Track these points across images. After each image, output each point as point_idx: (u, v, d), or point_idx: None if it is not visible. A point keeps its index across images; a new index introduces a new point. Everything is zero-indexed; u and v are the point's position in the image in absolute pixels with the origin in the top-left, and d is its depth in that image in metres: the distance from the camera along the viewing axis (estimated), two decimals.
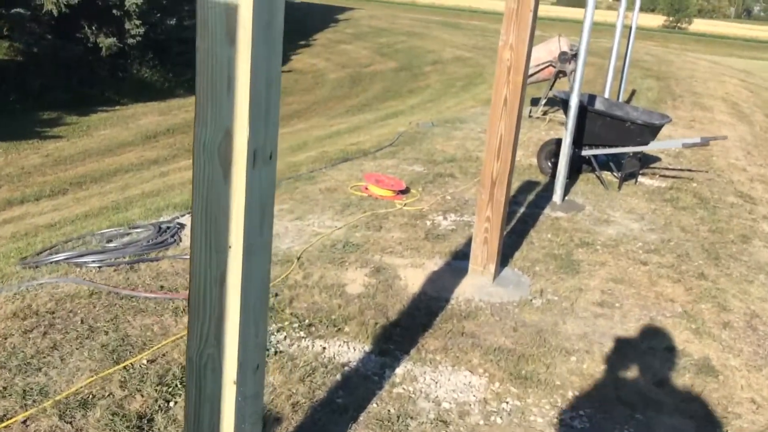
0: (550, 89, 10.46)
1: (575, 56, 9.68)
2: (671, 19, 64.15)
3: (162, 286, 3.95)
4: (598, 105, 7.36)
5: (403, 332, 3.65)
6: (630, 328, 3.96)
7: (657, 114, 7.16)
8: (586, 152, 6.87)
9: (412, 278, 4.32)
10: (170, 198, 6.66)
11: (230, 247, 1.75)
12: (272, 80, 1.66)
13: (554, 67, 10.42)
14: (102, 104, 16.65)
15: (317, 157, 7.87)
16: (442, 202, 6.00)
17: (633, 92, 13.99)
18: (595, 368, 3.51)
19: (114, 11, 17.68)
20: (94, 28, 17.43)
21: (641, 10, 10.31)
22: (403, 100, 17.07)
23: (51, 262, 4.28)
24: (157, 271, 4.15)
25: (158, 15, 18.97)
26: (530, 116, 10.58)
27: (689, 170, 7.97)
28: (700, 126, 11.05)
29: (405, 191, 6.12)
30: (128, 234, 4.84)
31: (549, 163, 7.15)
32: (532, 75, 10.65)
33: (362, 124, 12.85)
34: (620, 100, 10.44)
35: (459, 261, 4.63)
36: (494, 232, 4.27)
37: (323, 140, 10.61)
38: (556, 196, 6.20)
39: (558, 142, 6.73)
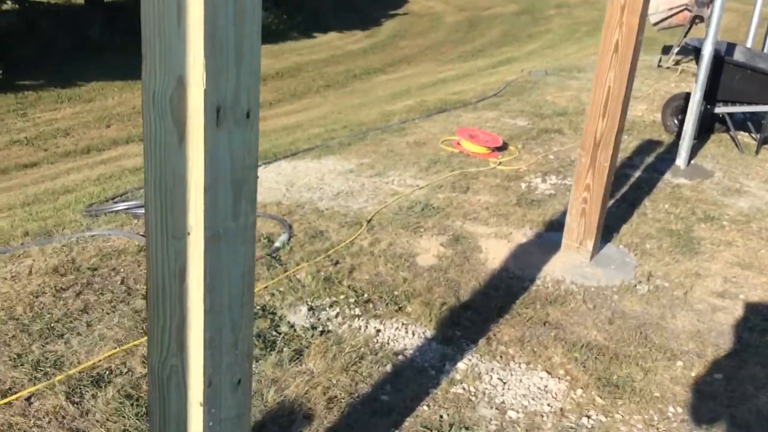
0: (685, 36, 9.32)
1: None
2: None
3: None
4: (738, 55, 6.36)
5: (474, 316, 3.14)
6: (755, 327, 3.26)
7: None
8: (720, 109, 5.98)
9: (494, 251, 3.77)
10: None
11: (189, 233, 1.33)
12: (244, 11, 1.21)
13: (690, 11, 9.27)
14: None
15: (414, 106, 7.33)
16: (544, 162, 5.34)
17: None
18: (706, 377, 2.87)
19: None
20: None
21: None
22: (521, 46, 16.07)
23: (111, 212, 4.07)
24: None
25: None
26: (659, 66, 9.55)
27: None
28: None
29: (502, 148, 5.50)
30: None
31: (675, 121, 6.31)
32: (664, 20, 9.58)
33: (472, 71, 12.12)
34: (766, 51, 9.14)
35: (553, 233, 4.02)
36: (594, 203, 3.63)
37: (426, 88, 10.03)
38: (680, 160, 5.39)
39: (687, 97, 5.86)
